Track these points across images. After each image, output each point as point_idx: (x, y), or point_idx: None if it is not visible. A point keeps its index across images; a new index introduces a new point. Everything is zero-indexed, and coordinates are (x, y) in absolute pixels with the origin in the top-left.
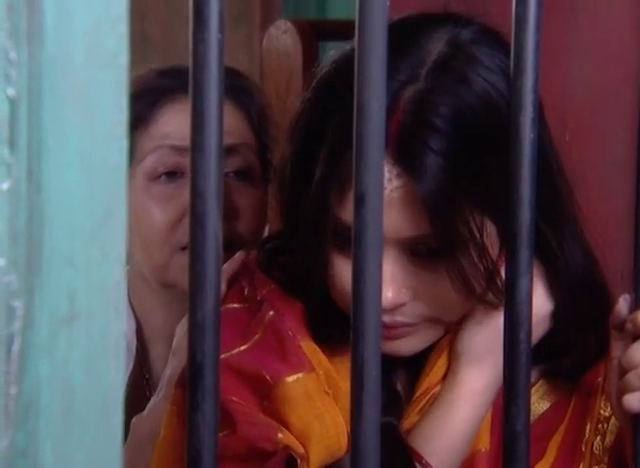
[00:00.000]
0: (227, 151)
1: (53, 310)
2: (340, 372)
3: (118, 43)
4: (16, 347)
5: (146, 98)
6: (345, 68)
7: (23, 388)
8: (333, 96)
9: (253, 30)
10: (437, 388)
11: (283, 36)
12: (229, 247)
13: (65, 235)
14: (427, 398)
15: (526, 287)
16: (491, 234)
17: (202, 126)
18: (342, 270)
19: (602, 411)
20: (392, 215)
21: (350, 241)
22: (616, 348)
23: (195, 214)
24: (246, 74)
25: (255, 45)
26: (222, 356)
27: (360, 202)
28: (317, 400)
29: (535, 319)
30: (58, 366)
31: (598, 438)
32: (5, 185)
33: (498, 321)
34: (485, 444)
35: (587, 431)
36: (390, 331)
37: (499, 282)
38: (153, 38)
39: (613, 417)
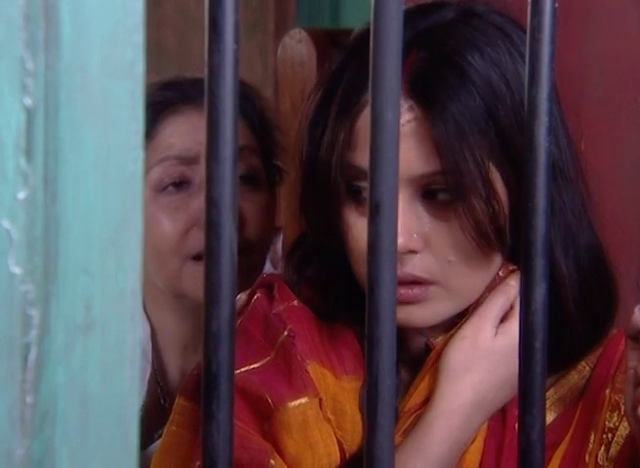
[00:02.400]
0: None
1: (69, 319)
2: (347, 394)
3: (134, 52)
4: (32, 356)
5: (149, 112)
6: (361, 39)
7: (40, 397)
8: (349, 56)
9: (267, 39)
10: (422, 410)
11: (298, 45)
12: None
13: (81, 244)
14: (411, 419)
15: (541, 295)
16: (495, 180)
17: (217, 136)
18: (356, 225)
19: (607, 423)
20: (403, 150)
21: (363, 195)
22: (631, 358)
23: (210, 224)
24: (245, 80)
25: (269, 54)
26: None
27: (375, 211)
28: (314, 428)
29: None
30: (74, 374)
31: (602, 448)
32: (21, 194)
33: (482, 335)
34: (471, 466)
35: (592, 441)
36: (402, 293)
37: (507, 235)
38: (168, 47)
39: (619, 429)
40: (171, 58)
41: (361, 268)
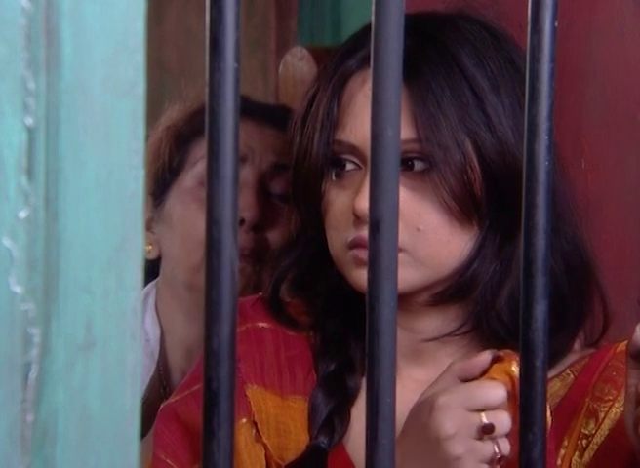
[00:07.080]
0: (283, 168)
1: (69, 337)
2: (293, 413)
3: (135, 72)
4: (33, 375)
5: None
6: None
7: (40, 416)
8: (332, 57)
9: (268, 56)
10: None
11: (299, 63)
12: (259, 256)
13: (82, 263)
14: None
15: (542, 314)
16: (472, 155)
17: (218, 154)
18: (336, 199)
19: (583, 429)
20: None
21: (346, 171)
22: (632, 377)
23: (211, 242)
24: (290, 107)
25: (270, 71)
26: (174, 399)
27: (375, 228)
28: (244, 452)
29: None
30: (74, 393)
31: (576, 454)
32: (23, 214)
33: (431, 391)
34: None
35: (564, 446)
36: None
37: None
38: (170, 65)
39: (595, 436)
40: (173, 76)
41: (336, 245)
